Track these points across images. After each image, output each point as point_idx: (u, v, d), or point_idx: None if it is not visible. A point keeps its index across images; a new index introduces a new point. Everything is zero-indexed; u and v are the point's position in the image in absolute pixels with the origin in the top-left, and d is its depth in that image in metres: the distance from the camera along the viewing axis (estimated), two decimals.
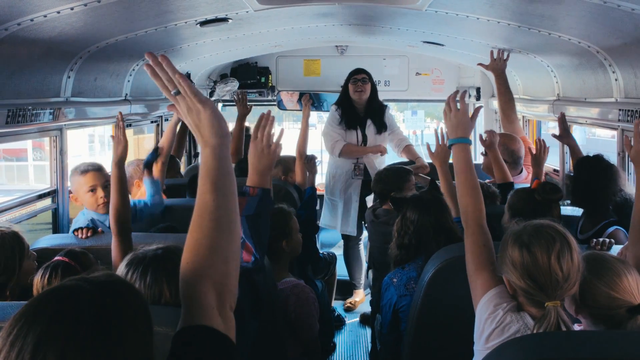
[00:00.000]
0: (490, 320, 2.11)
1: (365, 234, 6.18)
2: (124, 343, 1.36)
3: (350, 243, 6.12)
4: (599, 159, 3.54)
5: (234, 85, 7.18)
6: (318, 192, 7.74)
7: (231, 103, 8.11)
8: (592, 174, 3.46)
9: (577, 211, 3.76)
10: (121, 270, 2.20)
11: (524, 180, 4.77)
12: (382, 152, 5.83)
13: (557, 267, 1.99)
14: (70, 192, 3.93)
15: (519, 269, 2.04)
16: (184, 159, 6.73)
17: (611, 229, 3.31)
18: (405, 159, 5.84)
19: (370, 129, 5.84)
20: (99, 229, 3.33)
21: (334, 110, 5.92)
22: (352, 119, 5.82)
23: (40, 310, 1.33)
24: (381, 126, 5.86)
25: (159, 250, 2.24)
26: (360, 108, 5.84)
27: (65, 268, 2.68)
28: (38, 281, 2.65)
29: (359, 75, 5.78)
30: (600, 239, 2.81)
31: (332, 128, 5.86)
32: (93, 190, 3.68)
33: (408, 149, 5.86)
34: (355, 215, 5.88)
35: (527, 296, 2.07)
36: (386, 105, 6.01)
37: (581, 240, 3.46)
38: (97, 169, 3.76)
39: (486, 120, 6.99)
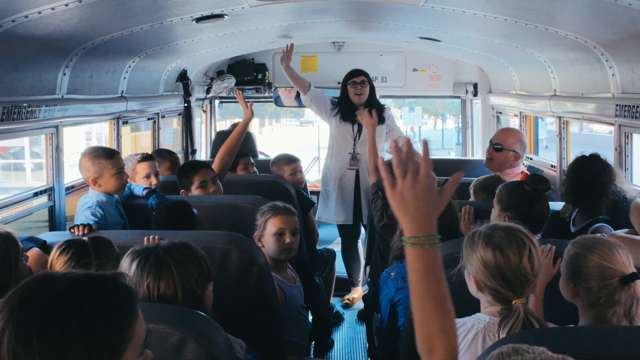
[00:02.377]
0: None
1: (363, 231, 6.18)
2: (96, 334, 1.34)
3: (348, 240, 6.11)
4: (597, 159, 3.56)
5: (230, 82, 7.16)
6: (314, 189, 7.77)
7: (228, 100, 8.11)
8: (592, 174, 3.48)
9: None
10: (123, 263, 2.28)
11: (516, 174, 4.78)
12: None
13: (528, 266, 2.13)
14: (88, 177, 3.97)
15: (491, 269, 2.15)
16: (181, 156, 6.72)
17: (597, 225, 3.38)
18: None
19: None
20: (94, 227, 3.32)
21: (332, 101, 5.99)
22: (349, 113, 5.84)
23: (7, 309, 1.33)
24: (379, 120, 5.85)
25: (152, 245, 2.31)
26: (359, 107, 5.85)
27: (80, 248, 2.69)
28: (55, 253, 2.68)
29: (358, 78, 5.78)
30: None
31: (320, 93, 5.99)
32: (120, 172, 3.89)
33: None
34: (350, 205, 5.87)
35: (494, 294, 2.18)
36: (386, 106, 6.02)
37: (573, 233, 3.50)
38: (119, 153, 4.09)
39: (484, 117, 6.99)
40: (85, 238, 2.79)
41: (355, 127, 5.84)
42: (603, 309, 2.20)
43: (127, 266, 2.22)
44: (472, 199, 4.09)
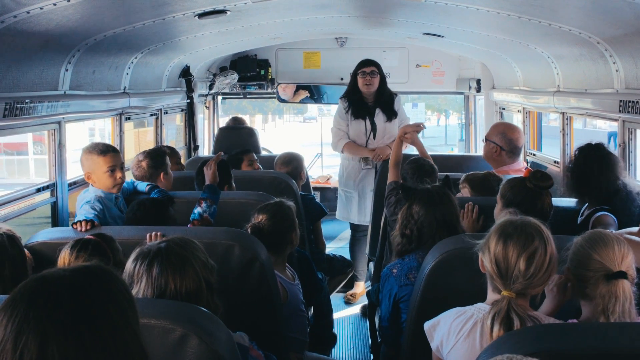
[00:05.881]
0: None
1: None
2: (107, 322, 1.37)
3: (358, 234, 6.11)
4: (598, 147, 3.57)
5: (233, 78, 7.17)
6: (321, 185, 7.75)
7: (230, 96, 8.12)
8: (593, 161, 3.49)
9: (571, 202, 3.77)
10: (128, 265, 2.26)
11: (519, 169, 4.77)
12: (381, 156, 5.61)
13: (522, 265, 2.15)
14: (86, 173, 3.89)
15: (492, 254, 2.21)
16: (184, 152, 6.73)
17: (599, 214, 3.39)
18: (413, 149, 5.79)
19: (379, 117, 5.79)
20: (96, 223, 3.32)
21: (341, 103, 5.90)
22: (360, 108, 5.79)
23: (18, 299, 1.35)
24: (391, 114, 5.81)
25: (162, 243, 2.28)
26: (369, 99, 5.81)
27: (96, 246, 2.71)
28: (66, 254, 2.68)
29: (368, 68, 5.71)
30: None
31: (337, 123, 5.86)
32: (113, 170, 3.78)
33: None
34: (370, 205, 5.86)
35: (490, 280, 2.26)
36: (395, 94, 5.95)
37: (579, 224, 3.50)
38: (116, 151, 3.91)
39: (487, 113, 6.97)
40: (88, 235, 2.80)
41: (368, 125, 5.78)
42: (595, 306, 2.21)
43: (145, 268, 2.19)
44: (460, 193, 4.09)
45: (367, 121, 5.79)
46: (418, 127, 4.71)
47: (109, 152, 3.80)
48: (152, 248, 2.24)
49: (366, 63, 5.76)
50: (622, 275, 2.16)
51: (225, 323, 2.04)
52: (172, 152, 5.36)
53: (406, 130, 4.62)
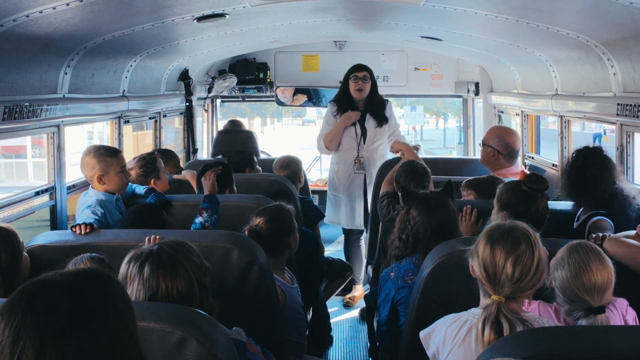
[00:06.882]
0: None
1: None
2: (105, 327, 1.37)
3: (351, 238, 6.10)
4: (597, 150, 3.57)
5: (232, 81, 7.17)
6: (319, 189, 7.76)
7: (229, 99, 8.12)
8: (588, 164, 3.50)
9: (567, 205, 3.77)
10: (122, 267, 2.28)
11: (516, 173, 4.77)
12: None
13: (509, 269, 2.16)
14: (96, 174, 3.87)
15: (480, 259, 2.22)
16: (182, 155, 6.73)
17: (595, 219, 3.38)
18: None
19: (370, 122, 5.78)
20: (95, 226, 3.32)
21: (330, 107, 5.89)
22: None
23: (16, 304, 1.35)
24: (381, 119, 5.81)
25: (155, 246, 2.31)
26: (360, 104, 5.79)
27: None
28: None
29: (360, 73, 5.69)
30: (594, 234, 2.82)
31: (327, 126, 5.85)
32: (123, 170, 3.90)
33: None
34: (361, 209, 5.86)
35: (481, 285, 2.27)
36: (387, 100, 5.95)
37: (575, 228, 3.51)
38: (122, 152, 4.11)
39: (485, 116, 6.98)
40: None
41: (359, 130, 5.78)
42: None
43: (136, 270, 2.21)
44: (463, 198, 4.10)
45: (357, 126, 5.78)
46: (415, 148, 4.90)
47: (119, 153, 3.97)
48: (145, 250, 2.27)
49: (358, 68, 5.72)
50: (602, 310, 2.24)
51: (222, 325, 2.05)
52: (171, 155, 5.37)
53: (403, 151, 4.74)
